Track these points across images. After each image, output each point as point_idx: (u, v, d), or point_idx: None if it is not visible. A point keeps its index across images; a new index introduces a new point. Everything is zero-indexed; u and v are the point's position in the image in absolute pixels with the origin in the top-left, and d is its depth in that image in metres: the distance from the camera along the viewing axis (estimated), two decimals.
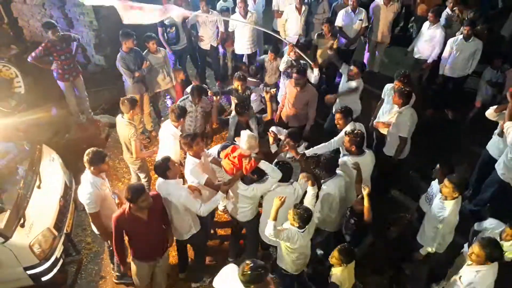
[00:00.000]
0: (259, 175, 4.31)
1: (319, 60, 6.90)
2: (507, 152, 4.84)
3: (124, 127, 5.11)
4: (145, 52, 6.40)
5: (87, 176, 4.16)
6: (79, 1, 7.48)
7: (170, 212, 4.22)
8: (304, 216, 3.77)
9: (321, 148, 4.98)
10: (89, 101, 7.16)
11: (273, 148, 4.98)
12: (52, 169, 5.32)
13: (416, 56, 7.36)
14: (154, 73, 6.54)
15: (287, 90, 5.89)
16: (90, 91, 7.16)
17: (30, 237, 4.43)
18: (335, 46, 6.42)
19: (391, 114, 5.29)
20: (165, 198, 4.11)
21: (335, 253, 3.78)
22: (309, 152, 4.97)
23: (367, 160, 4.58)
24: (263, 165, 4.24)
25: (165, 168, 4.06)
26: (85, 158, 4.10)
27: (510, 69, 6.39)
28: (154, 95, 6.87)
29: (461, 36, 6.56)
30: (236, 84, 5.81)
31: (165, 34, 7.20)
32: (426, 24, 7.08)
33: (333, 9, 7.78)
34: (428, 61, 7.14)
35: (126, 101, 5.05)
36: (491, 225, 4.15)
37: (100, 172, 4.21)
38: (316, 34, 7.19)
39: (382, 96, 5.79)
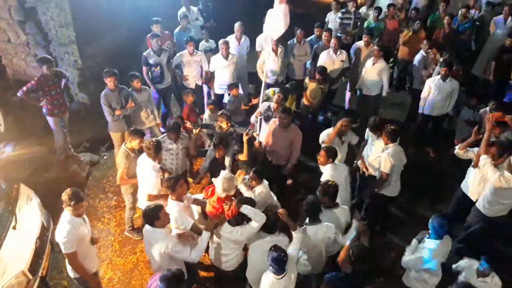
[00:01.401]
0: (243, 220, 4.17)
1: (310, 101, 7.18)
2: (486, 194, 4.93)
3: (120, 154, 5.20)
4: (129, 90, 6.43)
5: (65, 215, 4.04)
6: (63, 41, 7.59)
7: (154, 260, 4.07)
8: (278, 260, 3.62)
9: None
10: (72, 139, 7.09)
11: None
12: (29, 209, 5.15)
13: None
14: (138, 111, 6.54)
15: (270, 130, 5.81)
16: (72, 129, 7.09)
17: (3, 281, 4.21)
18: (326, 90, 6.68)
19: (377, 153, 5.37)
20: (151, 245, 3.99)
21: None
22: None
23: (339, 214, 4.45)
24: (245, 210, 4.09)
25: (155, 217, 3.92)
26: (63, 197, 4.00)
27: (484, 108, 6.61)
28: None
29: (438, 77, 6.79)
30: (220, 121, 5.82)
31: (149, 72, 7.27)
32: (370, 61, 7.38)
33: (314, 51, 8.02)
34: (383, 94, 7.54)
35: (133, 131, 5.24)
36: (465, 264, 4.21)
37: (78, 212, 4.08)
38: (308, 77, 7.38)
39: (366, 137, 5.86)
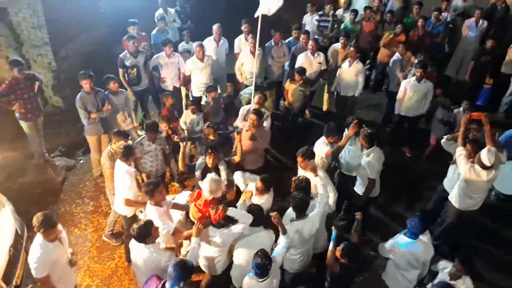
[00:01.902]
0: (229, 222, 4.16)
1: (290, 104, 7.23)
2: (458, 187, 5.07)
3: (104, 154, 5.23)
4: (106, 92, 6.32)
5: (37, 239, 3.83)
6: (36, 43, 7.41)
7: (144, 273, 3.96)
8: (262, 266, 3.65)
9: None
10: (47, 143, 6.92)
11: None
12: (1, 216, 5.00)
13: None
14: (115, 114, 6.44)
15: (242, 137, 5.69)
16: (47, 133, 6.93)
17: None
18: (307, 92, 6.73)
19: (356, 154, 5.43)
20: (145, 263, 3.90)
21: None
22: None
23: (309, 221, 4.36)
24: (231, 212, 4.10)
25: (147, 235, 3.81)
26: (34, 221, 3.75)
27: (458, 109, 6.79)
28: None
29: (413, 78, 6.93)
30: (208, 133, 5.73)
31: (126, 75, 7.16)
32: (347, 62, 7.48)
33: (292, 53, 8.07)
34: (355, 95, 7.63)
35: (116, 132, 5.24)
36: (440, 266, 4.28)
37: (49, 238, 3.83)
38: (288, 79, 7.39)
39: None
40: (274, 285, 3.87)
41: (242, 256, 4.25)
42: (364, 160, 5.19)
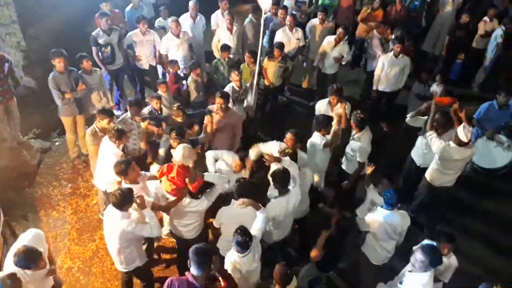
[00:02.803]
0: (204, 188, 4.21)
1: (270, 81, 7.16)
2: (433, 164, 5.18)
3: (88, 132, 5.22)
4: (79, 72, 6.13)
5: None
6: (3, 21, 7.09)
7: (114, 242, 3.99)
8: (242, 243, 3.68)
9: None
10: (20, 126, 6.70)
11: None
12: None
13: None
14: (90, 94, 6.27)
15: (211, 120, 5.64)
16: (20, 115, 6.69)
17: None
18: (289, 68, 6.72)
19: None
20: (112, 227, 3.90)
21: (275, 270, 3.64)
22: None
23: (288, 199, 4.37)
24: (208, 177, 4.22)
25: (129, 201, 3.82)
26: (13, 258, 3.44)
27: (434, 83, 6.88)
28: (91, 117, 6.57)
29: (391, 53, 6.96)
30: (176, 115, 5.61)
31: (99, 53, 6.96)
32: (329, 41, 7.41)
33: (271, 29, 7.97)
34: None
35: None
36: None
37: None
38: (267, 57, 7.28)
39: (317, 113, 5.88)
40: (256, 258, 3.92)
41: (228, 229, 4.22)
42: (355, 144, 5.23)
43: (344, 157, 5.58)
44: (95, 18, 7.33)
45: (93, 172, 5.55)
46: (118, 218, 3.85)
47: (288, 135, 4.82)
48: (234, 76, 6.23)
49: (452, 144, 4.88)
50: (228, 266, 3.82)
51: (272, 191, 4.46)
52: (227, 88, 6.25)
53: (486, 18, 8.36)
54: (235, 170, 5.00)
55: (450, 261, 4.10)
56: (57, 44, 6.44)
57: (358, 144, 5.19)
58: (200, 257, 3.26)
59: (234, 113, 5.75)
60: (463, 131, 4.74)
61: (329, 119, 5.28)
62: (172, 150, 4.77)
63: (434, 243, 4.00)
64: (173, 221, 4.45)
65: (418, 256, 3.61)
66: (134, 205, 3.96)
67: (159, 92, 6.41)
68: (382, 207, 4.33)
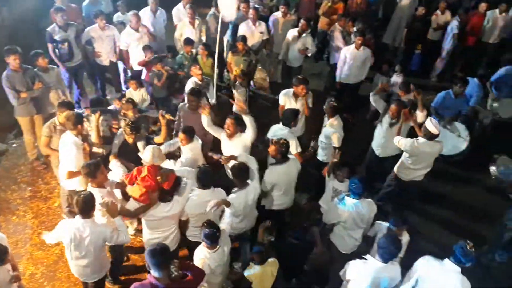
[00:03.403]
0: (174, 189, 4.11)
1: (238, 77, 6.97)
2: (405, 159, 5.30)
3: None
4: (35, 70, 5.88)
5: None
6: None
7: (91, 252, 3.83)
8: (211, 236, 3.68)
9: None
10: None
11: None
12: None
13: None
14: (47, 93, 6.02)
15: (182, 115, 5.62)
16: None
17: None
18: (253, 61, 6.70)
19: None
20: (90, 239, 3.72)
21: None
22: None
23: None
24: (179, 172, 4.17)
25: (93, 206, 3.67)
26: None
27: (394, 74, 7.07)
28: (50, 116, 6.31)
29: (353, 46, 7.08)
30: (126, 109, 5.40)
31: (56, 50, 6.68)
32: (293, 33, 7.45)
33: (233, 23, 7.92)
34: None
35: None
36: (377, 226, 4.50)
37: None
38: (230, 51, 7.22)
39: (281, 103, 5.93)
40: (226, 252, 3.92)
41: (195, 218, 4.28)
42: (329, 131, 5.30)
43: (318, 148, 5.63)
44: (50, 13, 7.04)
45: (55, 169, 5.34)
46: (95, 227, 3.71)
47: (228, 120, 4.94)
48: (195, 70, 6.16)
49: (420, 139, 5.02)
50: (197, 262, 3.79)
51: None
52: (189, 83, 6.16)
53: (438, 11, 8.66)
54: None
55: (403, 239, 4.29)
56: (11, 41, 6.16)
57: (332, 130, 5.28)
58: (158, 258, 3.16)
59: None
60: (431, 124, 4.90)
61: (295, 112, 5.34)
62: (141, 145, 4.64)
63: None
64: (148, 235, 4.25)
65: (382, 244, 3.66)
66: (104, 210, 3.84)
67: (130, 89, 6.24)
68: (349, 196, 4.40)
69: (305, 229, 4.49)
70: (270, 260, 3.98)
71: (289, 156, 4.72)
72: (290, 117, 5.26)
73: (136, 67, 7.30)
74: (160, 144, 4.92)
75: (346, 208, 4.34)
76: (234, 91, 6.46)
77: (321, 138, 5.51)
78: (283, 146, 4.59)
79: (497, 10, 8.51)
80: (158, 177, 4.00)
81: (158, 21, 7.76)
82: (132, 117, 5.28)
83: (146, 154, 4.12)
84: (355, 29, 7.63)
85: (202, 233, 3.70)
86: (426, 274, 3.72)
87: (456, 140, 6.18)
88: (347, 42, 7.73)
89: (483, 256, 5.40)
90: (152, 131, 5.51)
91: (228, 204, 4.14)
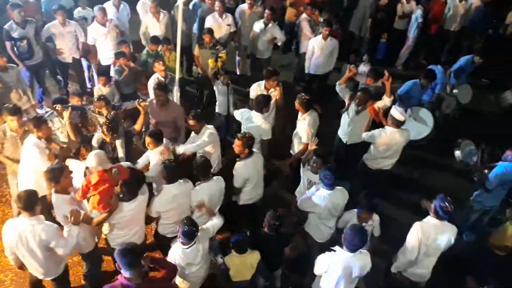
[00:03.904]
0: (135, 187, 4.03)
1: (204, 70, 6.96)
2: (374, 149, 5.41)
3: None
4: None
5: None
6: None
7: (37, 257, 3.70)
8: (188, 233, 3.69)
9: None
10: None
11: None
12: None
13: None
14: (7, 93, 5.77)
15: (150, 111, 5.48)
16: None
17: None
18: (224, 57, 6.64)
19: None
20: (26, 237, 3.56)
21: None
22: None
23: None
24: (138, 165, 4.21)
25: (35, 202, 3.52)
26: None
27: (361, 63, 7.17)
28: None
29: (320, 37, 7.13)
30: (99, 107, 5.28)
31: (15, 48, 6.41)
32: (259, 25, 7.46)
33: (200, 16, 7.82)
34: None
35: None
36: (346, 215, 4.58)
37: None
38: (197, 44, 7.12)
39: (252, 97, 5.93)
40: (200, 251, 3.89)
41: (167, 214, 4.29)
42: (300, 125, 5.31)
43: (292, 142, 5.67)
44: (6, 10, 6.72)
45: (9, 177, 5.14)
46: (32, 225, 3.54)
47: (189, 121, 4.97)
48: (158, 66, 6.05)
49: (388, 128, 5.14)
50: (170, 258, 3.81)
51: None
52: (152, 79, 6.05)
53: (403, 0, 8.83)
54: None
55: (374, 219, 4.47)
56: None
57: (302, 124, 5.31)
58: (128, 258, 3.09)
59: (174, 105, 5.56)
60: (397, 111, 5.03)
61: (267, 97, 5.37)
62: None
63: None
64: (115, 235, 4.16)
65: (347, 236, 3.70)
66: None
67: (98, 85, 6.05)
68: (322, 187, 4.44)
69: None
70: (251, 251, 4.02)
71: (253, 150, 4.77)
72: (262, 103, 5.28)
73: (105, 62, 7.10)
74: (139, 133, 4.95)
75: (322, 202, 4.38)
76: (214, 88, 6.34)
77: (296, 131, 5.53)
78: (249, 140, 4.64)
79: None
80: (110, 174, 3.91)
81: (121, 15, 7.57)
82: (108, 115, 5.08)
83: (90, 160, 3.94)
84: (321, 19, 7.67)
85: (180, 230, 3.70)
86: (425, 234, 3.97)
87: (420, 126, 6.35)
88: (314, 32, 7.78)
89: None
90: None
91: (213, 214, 4.25)
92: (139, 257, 3.20)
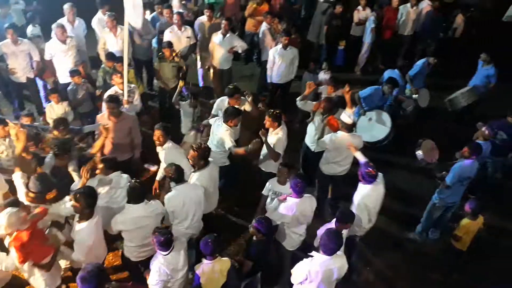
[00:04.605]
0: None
1: (166, 84, 6.90)
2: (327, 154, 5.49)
3: None
4: None
5: None
6: None
7: None
8: (166, 241, 3.67)
9: None
10: None
11: None
12: None
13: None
14: None
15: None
16: None
17: None
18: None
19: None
20: None
21: None
22: None
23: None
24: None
25: None
26: None
27: (321, 71, 7.31)
28: None
29: (280, 46, 7.21)
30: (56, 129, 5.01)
31: None
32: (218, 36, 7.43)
33: (158, 29, 7.75)
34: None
35: None
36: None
37: None
38: (157, 58, 7.03)
39: (214, 112, 5.88)
40: (182, 256, 3.89)
41: (131, 235, 4.19)
42: (273, 137, 5.25)
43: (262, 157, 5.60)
44: None
45: None
46: None
47: (156, 132, 4.89)
48: (116, 79, 5.92)
49: (339, 133, 5.23)
50: (153, 269, 3.76)
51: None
52: (109, 92, 5.91)
53: (359, 7, 9.10)
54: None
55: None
56: None
57: (276, 137, 5.25)
58: (94, 282, 3.02)
59: (127, 116, 5.43)
60: (345, 115, 5.17)
61: (238, 111, 5.33)
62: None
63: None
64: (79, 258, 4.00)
65: (323, 240, 3.75)
66: None
67: (51, 103, 5.84)
68: (291, 196, 4.44)
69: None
70: (221, 258, 3.98)
71: (209, 159, 4.76)
72: (231, 114, 5.21)
73: (63, 80, 6.87)
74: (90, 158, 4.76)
75: (290, 212, 4.39)
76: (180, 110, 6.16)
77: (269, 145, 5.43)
78: (205, 151, 4.63)
79: (408, 5, 9.12)
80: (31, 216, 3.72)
81: (77, 31, 7.37)
82: (61, 137, 4.92)
83: (3, 224, 3.68)
84: (281, 27, 7.78)
85: (155, 241, 3.68)
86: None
87: (379, 128, 6.52)
88: (275, 39, 7.87)
89: (417, 235, 5.77)
90: (80, 148, 5.16)
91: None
92: (104, 280, 3.09)
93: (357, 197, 4.65)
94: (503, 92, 7.66)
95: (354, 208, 4.58)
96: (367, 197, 4.60)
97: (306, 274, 3.79)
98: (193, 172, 4.72)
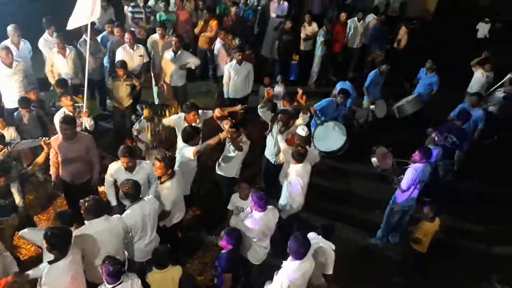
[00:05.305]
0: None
1: (120, 103, 6.80)
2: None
3: None
4: None
5: None
6: None
7: None
8: (115, 271, 3.53)
9: None
10: None
11: None
12: None
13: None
14: None
15: (57, 148, 5.06)
16: None
17: None
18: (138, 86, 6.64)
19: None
20: None
21: None
22: None
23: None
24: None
25: None
26: None
27: (276, 85, 7.45)
28: None
29: (234, 62, 7.29)
30: None
31: None
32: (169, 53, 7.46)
33: (110, 48, 7.59)
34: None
35: None
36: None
37: None
38: (110, 77, 6.90)
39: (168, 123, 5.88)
40: (135, 283, 3.75)
41: (92, 253, 4.00)
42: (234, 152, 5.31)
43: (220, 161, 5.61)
44: None
45: None
46: None
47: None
48: (65, 101, 5.66)
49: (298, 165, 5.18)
50: None
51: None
52: (58, 114, 5.66)
53: (305, 23, 9.39)
54: None
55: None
56: None
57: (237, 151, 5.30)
58: None
59: (83, 136, 5.21)
60: (300, 129, 5.36)
61: (196, 130, 5.29)
62: None
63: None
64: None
65: (293, 248, 3.76)
66: None
67: None
68: (255, 210, 4.43)
69: None
70: (172, 266, 3.94)
71: (174, 169, 4.75)
72: (190, 135, 5.14)
73: (9, 106, 6.53)
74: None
75: (256, 226, 4.38)
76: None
77: (225, 153, 5.51)
78: (170, 160, 4.61)
79: (355, 19, 9.54)
80: None
81: (23, 54, 7.04)
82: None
83: None
84: (234, 43, 7.87)
85: (105, 272, 3.51)
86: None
87: (335, 138, 6.70)
88: (230, 55, 7.94)
89: (378, 240, 5.92)
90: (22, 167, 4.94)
91: None
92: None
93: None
94: (443, 96, 8.08)
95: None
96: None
97: (287, 284, 3.77)
98: (161, 184, 4.62)
